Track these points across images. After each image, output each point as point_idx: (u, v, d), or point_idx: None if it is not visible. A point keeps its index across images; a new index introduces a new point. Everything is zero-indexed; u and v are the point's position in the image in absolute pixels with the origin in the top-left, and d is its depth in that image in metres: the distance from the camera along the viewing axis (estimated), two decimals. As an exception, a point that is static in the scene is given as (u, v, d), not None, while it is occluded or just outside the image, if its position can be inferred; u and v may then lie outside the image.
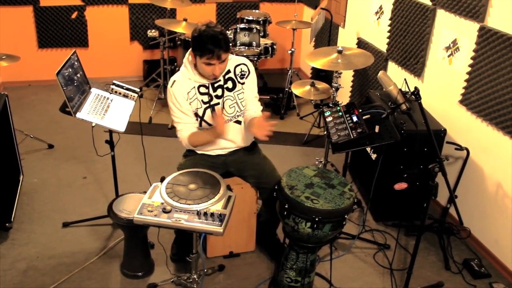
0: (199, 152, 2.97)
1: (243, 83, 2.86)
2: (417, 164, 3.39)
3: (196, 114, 2.81)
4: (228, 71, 2.81)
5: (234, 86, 2.84)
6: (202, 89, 2.78)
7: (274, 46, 5.38)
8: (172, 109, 2.80)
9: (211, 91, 2.79)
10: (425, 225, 2.74)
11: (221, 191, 2.44)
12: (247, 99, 2.90)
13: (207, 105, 2.80)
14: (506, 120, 3.08)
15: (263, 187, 2.93)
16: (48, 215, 3.51)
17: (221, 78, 2.79)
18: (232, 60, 2.83)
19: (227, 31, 5.01)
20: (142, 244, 2.97)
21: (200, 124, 2.84)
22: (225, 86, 2.81)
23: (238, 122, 2.91)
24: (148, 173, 3.58)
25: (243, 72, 2.86)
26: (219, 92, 2.81)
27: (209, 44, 2.53)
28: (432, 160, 2.61)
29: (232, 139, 2.92)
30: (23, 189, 3.78)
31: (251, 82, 2.90)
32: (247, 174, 2.98)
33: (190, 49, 2.68)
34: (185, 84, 2.76)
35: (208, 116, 2.82)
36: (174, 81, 2.77)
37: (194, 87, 2.77)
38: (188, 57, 2.76)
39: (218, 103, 2.81)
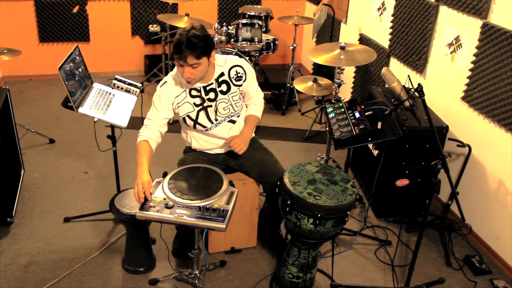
0: (198, 150, 2.98)
1: (239, 85, 2.85)
2: (419, 161, 3.39)
3: (189, 117, 2.80)
4: (222, 74, 2.80)
5: (229, 89, 2.83)
6: (194, 92, 2.78)
7: (276, 42, 5.39)
8: (152, 106, 2.78)
9: (203, 94, 2.78)
10: (426, 222, 2.74)
11: (223, 186, 2.44)
12: (248, 94, 2.94)
13: (200, 107, 2.79)
14: (508, 117, 3.07)
15: (266, 181, 2.92)
16: (49, 210, 3.51)
17: (213, 81, 2.78)
18: (227, 63, 2.83)
19: (229, 27, 5.00)
20: (143, 240, 2.97)
21: (194, 127, 2.84)
22: (218, 89, 2.80)
23: (232, 121, 2.91)
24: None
25: (239, 75, 2.84)
26: (211, 95, 2.80)
27: (178, 45, 2.49)
28: (434, 156, 2.61)
29: (226, 137, 2.90)
30: (24, 184, 3.77)
31: (250, 81, 2.89)
32: (249, 169, 2.98)
33: None
34: (175, 87, 2.76)
35: (202, 118, 2.81)
36: (165, 82, 2.77)
37: (185, 90, 2.76)
38: None
39: (211, 106, 2.80)
